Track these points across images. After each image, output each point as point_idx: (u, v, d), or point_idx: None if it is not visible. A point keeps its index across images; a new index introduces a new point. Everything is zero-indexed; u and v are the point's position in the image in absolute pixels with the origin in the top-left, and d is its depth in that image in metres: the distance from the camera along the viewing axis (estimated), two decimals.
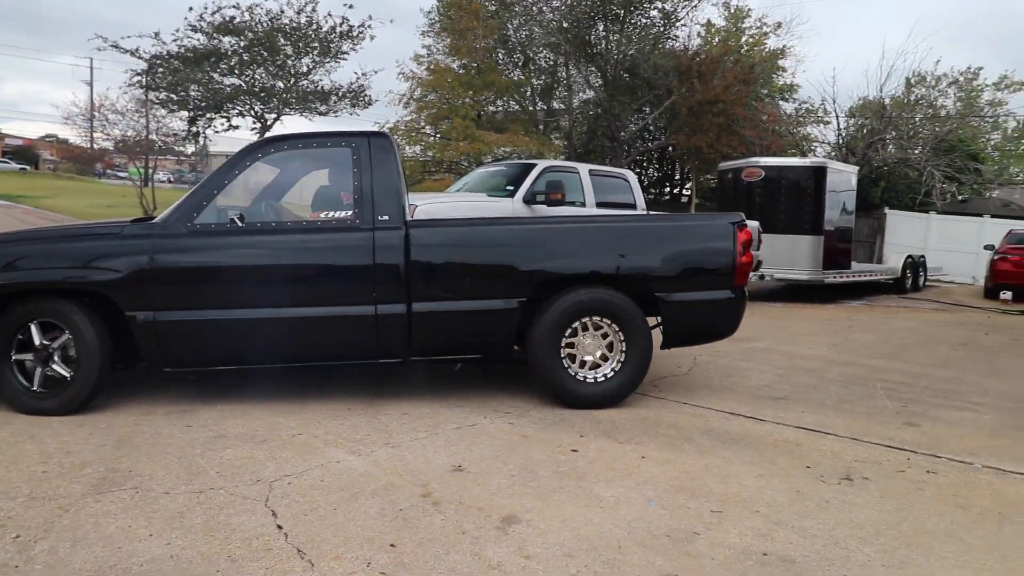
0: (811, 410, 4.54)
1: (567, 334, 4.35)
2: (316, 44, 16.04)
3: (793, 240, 12.25)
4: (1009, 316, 11.45)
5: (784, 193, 12.71)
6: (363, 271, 4.19)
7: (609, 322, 4.38)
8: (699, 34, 23.43)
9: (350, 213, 4.28)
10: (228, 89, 16.05)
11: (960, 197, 24.44)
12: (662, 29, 21.09)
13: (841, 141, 24.03)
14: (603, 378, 4.40)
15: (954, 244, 19.65)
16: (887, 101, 23.34)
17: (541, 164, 9.40)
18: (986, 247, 15.76)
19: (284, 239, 4.26)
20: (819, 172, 12.69)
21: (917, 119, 23.70)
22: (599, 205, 9.36)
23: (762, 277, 12.05)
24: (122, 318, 4.07)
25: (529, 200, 8.52)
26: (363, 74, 17.08)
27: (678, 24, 21.05)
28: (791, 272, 12.30)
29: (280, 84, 16.54)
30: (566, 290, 4.34)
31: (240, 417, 4.04)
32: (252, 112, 16.83)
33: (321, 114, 16.94)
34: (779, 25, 24.39)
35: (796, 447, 3.79)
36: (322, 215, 4.41)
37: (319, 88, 16.87)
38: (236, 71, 15.94)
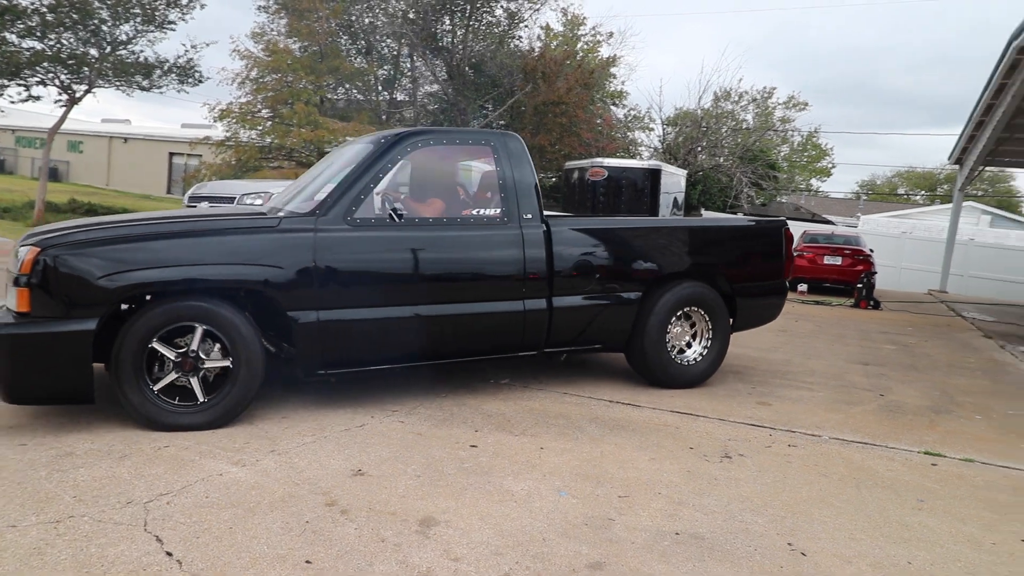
0: (678, 395, 4.87)
1: (670, 323, 4.88)
2: (138, 10, 14.23)
3: None
4: (807, 306, 13.16)
5: (625, 192, 13.56)
6: (516, 267, 4.32)
7: (702, 312, 5.00)
8: (539, 37, 24.25)
9: (497, 211, 4.39)
10: (27, 53, 13.73)
11: (759, 201, 27.69)
12: (507, 28, 21.54)
13: (663, 147, 26.15)
14: (693, 361, 5.01)
15: None
16: (700, 113, 25.81)
17: None
18: None
19: (443, 235, 4.23)
20: (655, 174, 13.70)
21: (724, 130, 26.44)
22: None
23: None
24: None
25: None
26: (192, 47, 15.45)
27: (522, 25, 21.63)
28: None
29: (93, 52, 14.46)
30: (675, 284, 4.86)
31: (85, 431, 3.50)
32: (57, 82, 14.57)
33: (143, 89, 15.03)
34: (611, 35, 26.06)
35: (675, 430, 4.06)
36: (474, 212, 4.48)
37: (141, 60, 15.00)
38: (37, 33, 13.67)
